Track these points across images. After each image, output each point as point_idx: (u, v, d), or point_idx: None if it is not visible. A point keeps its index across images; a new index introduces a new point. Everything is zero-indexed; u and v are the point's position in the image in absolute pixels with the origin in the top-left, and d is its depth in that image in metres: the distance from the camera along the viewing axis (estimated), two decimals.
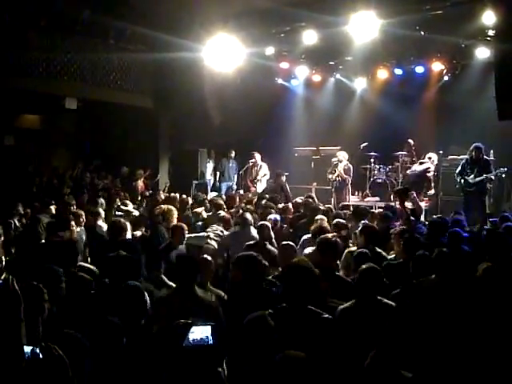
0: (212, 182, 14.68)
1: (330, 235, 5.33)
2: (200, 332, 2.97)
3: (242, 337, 3.43)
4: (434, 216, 8.41)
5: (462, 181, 9.64)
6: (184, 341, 2.94)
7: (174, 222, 7.03)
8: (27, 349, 2.53)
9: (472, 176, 9.50)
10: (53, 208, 8.55)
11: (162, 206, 7.94)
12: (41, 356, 2.52)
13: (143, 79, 13.53)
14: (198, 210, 8.73)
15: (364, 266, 4.13)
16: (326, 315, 3.55)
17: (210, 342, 2.95)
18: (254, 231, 6.83)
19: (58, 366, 2.57)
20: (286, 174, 12.03)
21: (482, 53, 11.06)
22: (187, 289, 4.16)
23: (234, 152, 13.96)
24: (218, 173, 14.30)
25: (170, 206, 7.58)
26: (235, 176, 13.99)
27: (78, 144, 15.26)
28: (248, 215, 7.22)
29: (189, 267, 4.22)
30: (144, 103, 13.66)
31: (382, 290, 4.10)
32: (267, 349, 3.11)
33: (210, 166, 14.80)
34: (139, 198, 11.80)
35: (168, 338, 3.10)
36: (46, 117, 14.70)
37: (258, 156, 13.23)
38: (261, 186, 13.05)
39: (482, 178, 9.39)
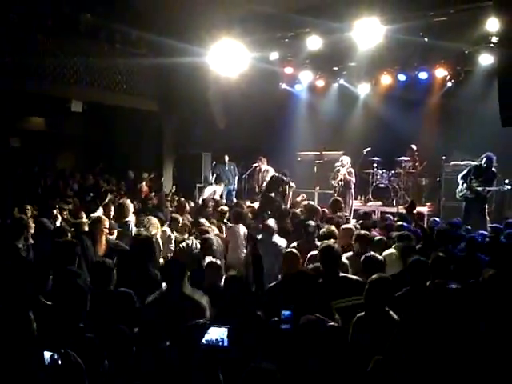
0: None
1: (331, 241, 5.34)
2: (216, 333, 3.05)
3: None
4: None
5: (464, 185, 9.67)
6: (200, 341, 3.01)
7: (104, 232, 6.39)
8: (47, 355, 2.60)
9: (476, 184, 9.54)
10: (55, 211, 8.62)
11: (92, 214, 7.54)
12: (59, 362, 2.59)
13: (148, 83, 13.61)
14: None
15: (374, 277, 4.03)
16: (332, 323, 3.59)
17: (225, 343, 3.03)
18: (278, 239, 6.74)
19: (75, 373, 2.64)
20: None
21: (486, 59, 11.10)
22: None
23: (227, 156, 14.00)
24: (214, 176, 14.14)
25: (101, 216, 6.95)
26: (235, 179, 14.04)
27: (84, 146, 15.35)
28: (271, 222, 6.99)
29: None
30: (149, 107, 13.74)
31: (390, 300, 4.02)
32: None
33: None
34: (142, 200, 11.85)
35: (185, 337, 3.15)
36: (52, 119, 14.79)
37: (264, 161, 13.25)
38: None
39: (481, 189, 9.45)
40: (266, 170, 13.20)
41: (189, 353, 3.10)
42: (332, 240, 5.81)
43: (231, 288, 4.12)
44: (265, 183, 13.00)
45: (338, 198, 9.90)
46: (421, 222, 7.94)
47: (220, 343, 3.04)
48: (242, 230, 7.60)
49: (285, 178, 10.81)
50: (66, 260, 4.82)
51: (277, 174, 11.15)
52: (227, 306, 4.00)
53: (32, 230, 6.22)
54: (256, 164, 13.35)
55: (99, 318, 3.69)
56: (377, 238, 6.47)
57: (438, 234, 6.33)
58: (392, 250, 5.93)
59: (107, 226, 6.41)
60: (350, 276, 4.79)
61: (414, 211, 6.83)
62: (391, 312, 3.96)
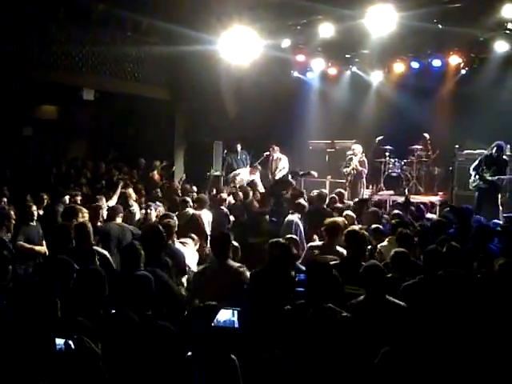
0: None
1: (357, 227, 5.36)
2: (227, 315, 3.09)
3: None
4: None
5: (477, 176, 9.58)
6: (211, 322, 3.05)
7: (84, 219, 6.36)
8: (60, 341, 2.62)
9: (488, 174, 9.45)
10: (67, 198, 8.71)
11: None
12: (73, 348, 2.60)
13: (160, 71, 13.60)
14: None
15: (366, 264, 4.14)
16: (345, 314, 3.59)
17: (236, 325, 3.07)
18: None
19: (90, 358, 2.66)
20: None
21: (501, 46, 10.92)
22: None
23: (239, 145, 13.94)
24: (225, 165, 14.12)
25: (78, 207, 6.79)
26: (248, 167, 14.01)
27: (95, 135, 15.41)
28: (303, 201, 7.53)
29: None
30: (160, 95, 13.74)
31: (385, 286, 4.07)
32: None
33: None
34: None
35: (195, 319, 3.19)
36: (64, 108, 14.84)
37: (277, 149, 13.19)
38: None
39: (496, 178, 9.35)
40: (279, 158, 13.14)
41: (198, 334, 3.12)
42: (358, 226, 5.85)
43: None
44: (277, 171, 12.98)
45: (342, 190, 9.92)
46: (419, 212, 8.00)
47: (230, 325, 3.07)
48: (204, 215, 7.96)
49: (292, 181, 10.53)
50: (60, 245, 4.85)
51: (286, 176, 11.09)
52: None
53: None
54: (268, 152, 13.31)
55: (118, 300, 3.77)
56: (373, 226, 6.43)
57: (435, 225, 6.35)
58: (385, 243, 5.93)
59: (86, 217, 6.38)
60: None
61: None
62: (391, 298, 3.97)
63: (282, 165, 13.09)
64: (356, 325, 3.67)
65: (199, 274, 4.81)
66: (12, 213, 5.94)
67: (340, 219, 6.21)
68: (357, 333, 3.57)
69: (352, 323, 3.62)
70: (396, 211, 7.48)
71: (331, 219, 6.13)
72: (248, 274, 4.56)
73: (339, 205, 8.32)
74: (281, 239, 4.82)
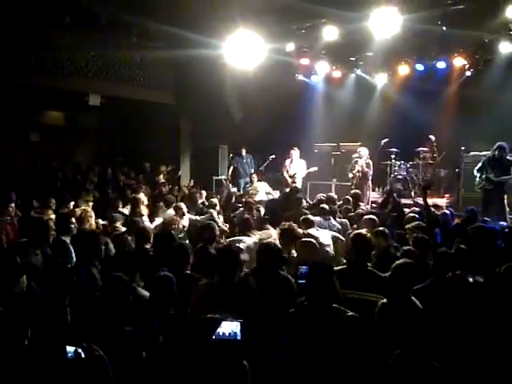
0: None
1: (364, 231, 5.34)
2: (229, 327, 3.03)
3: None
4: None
5: (482, 177, 9.54)
6: (213, 335, 3.01)
7: (92, 224, 6.52)
8: (70, 349, 2.63)
9: (492, 175, 9.41)
10: (72, 204, 8.72)
11: (77, 209, 7.56)
12: (83, 356, 2.61)
13: (165, 76, 13.67)
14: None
15: (398, 262, 4.06)
16: (351, 313, 3.58)
17: (238, 338, 3.01)
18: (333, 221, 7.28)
19: (99, 366, 2.67)
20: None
21: (505, 47, 10.93)
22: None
23: (244, 149, 13.98)
24: (230, 169, 14.12)
25: (87, 208, 7.01)
26: (252, 171, 14.02)
27: (102, 140, 15.48)
28: (326, 205, 7.60)
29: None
30: (166, 100, 13.79)
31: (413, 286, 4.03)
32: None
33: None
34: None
35: (197, 332, 3.17)
36: (70, 113, 14.93)
37: (297, 152, 13.04)
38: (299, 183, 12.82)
39: (500, 179, 9.31)
40: (298, 162, 12.99)
41: (200, 347, 3.11)
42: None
43: None
44: (297, 174, 12.83)
45: (358, 190, 9.91)
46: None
47: (233, 337, 3.02)
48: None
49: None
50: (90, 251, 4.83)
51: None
52: None
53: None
54: (274, 156, 13.31)
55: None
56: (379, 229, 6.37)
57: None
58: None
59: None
60: (377, 272, 4.67)
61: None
62: (415, 299, 3.92)
63: (302, 169, 12.91)
64: (381, 328, 3.64)
65: (204, 286, 4.39)
66: (52, 224, 5.62)
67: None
68: (381, 336, 3.55)
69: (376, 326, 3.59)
70: (412, 214, 7.36)
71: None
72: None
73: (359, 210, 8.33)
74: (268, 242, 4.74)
